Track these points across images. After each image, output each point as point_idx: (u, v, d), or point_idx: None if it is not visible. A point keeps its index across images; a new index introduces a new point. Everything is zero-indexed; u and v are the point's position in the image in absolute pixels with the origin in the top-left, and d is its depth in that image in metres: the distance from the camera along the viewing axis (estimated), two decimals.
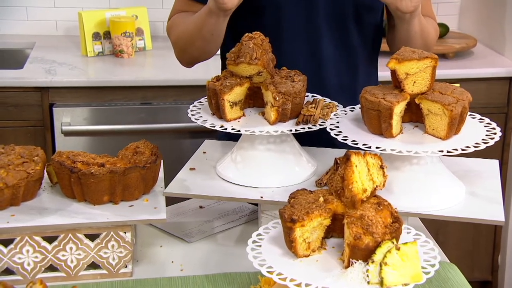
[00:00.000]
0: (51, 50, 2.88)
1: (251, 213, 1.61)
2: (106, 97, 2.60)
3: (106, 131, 2.60)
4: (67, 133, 2.57)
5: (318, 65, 1.69)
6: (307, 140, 1.57)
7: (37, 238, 1.28)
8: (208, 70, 2.51)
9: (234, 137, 1.50)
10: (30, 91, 2.55)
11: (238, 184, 1.44)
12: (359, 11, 1.66)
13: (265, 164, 1.45)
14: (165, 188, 1.42)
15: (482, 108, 2.74)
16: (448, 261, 1.42)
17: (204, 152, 1.60)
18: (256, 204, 1.55)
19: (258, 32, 1.46)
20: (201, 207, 1.64)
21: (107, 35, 2.85)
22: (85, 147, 2.60)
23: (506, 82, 2.78)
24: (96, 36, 2.84)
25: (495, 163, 1.51)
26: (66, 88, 2.56)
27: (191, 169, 1.51)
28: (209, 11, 1.55)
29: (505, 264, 2.97)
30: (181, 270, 1.37)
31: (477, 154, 1.35)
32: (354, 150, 1.20)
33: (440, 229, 2.87)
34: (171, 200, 1.52)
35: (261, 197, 1.39)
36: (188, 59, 1.73)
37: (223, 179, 1.46)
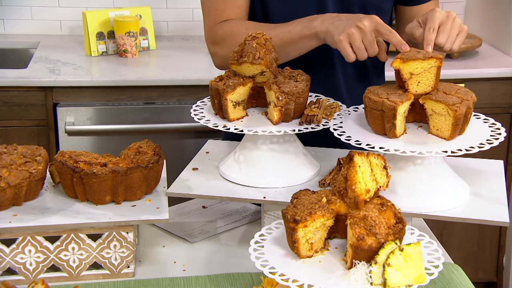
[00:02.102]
0: (55, 49, 2.88)
1: (254, 213, 1.61)
2: (110, 96, 2.60)
3: (110, 130, 2.60)
4: (71, 133, 2.57)
5: (327, 67, 1.68)
6: (310, 140, 1.56)
7: (39, 238, 1.28)
8: (212, 69, 2.50)
9: (238, 137, 1.50)
10: (34, 90, 2.55)
11: (241, 184, 1.43)
12: (367, 12, 1.65)
13: (268, 164, 1.44)
14: (168, 188, 1.42)
15: (486, 108, 2.74)
16: (452, 262, 1.41)
17: (207, 152, 1.59)
18: (259, 205, 1.55)
19: (261, 32, 1.45)
20: (204, 207, 1.64)
21: (111, 34, 2.85)
22: (88, 147, 2.60)
23: (511, 82, 2.77)
24: (100, 35, 2.84)
25: (499, 164, 1.50)
26: (70, 88, 2.56)
27: (194, 169, 1.51)
28: (312, 34, 1.50)
29: (510, 265, 2.95)
30: (184, 270, 1.37)
31: (482, 154, 1.34)
32: (357, 151, 1.20)
33: (444, 229, 2.86)
34: (174, 200, 1.52)
35: (264, 198, 1.39)
36: None
37: (226, 179, 1.46)
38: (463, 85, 2.69)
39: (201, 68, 2.71)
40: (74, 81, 2.56)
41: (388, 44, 1.70)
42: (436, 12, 1.44)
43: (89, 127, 2.58)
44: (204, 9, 1.69)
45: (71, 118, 2.56)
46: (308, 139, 1.54)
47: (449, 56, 2.84)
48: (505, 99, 2.79)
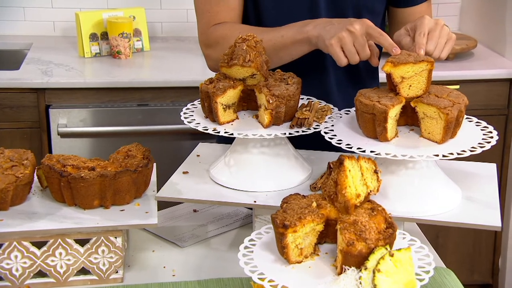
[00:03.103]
0: (48, 51, 2.86)
1: (245, 217, 1.59)
2: (103, 98, 2.58)
3: (103, 132, 2.58)
4: (63, 135, 2.55)
5: (319, 73, 1.67)
6: (303, 143, 1.55)
7: (26, 244, 1.26)
8: (206, 71, 2.48)
9: (232, 140, 1.48)
10: (26, 92, 2.53)
11: (231, 188, 1.42)
12: (361, 15, 1.64)
13: (259, 168, 1.43)
14: (158, 192, 1.40)
15: (482, 110, 2.73)
16: (445, 266, 1.40)
17: (198, 155, 1.58)
18: (251, 208, 1.53)
19: (252, 34, 1.44)
20: (195, 210, 1.62)
21: (105, 36, 2.83)
22: (81, 149, 2.58)
23: (507, 83, 2.76)
24: (93, 37, 2.82)
25: (492, 167, 1.49)
26: (63, 89, 2.54)
27: (184, 172, 1.49)
28: (305, 39, 1.49)
29: (505, 268, 2.94)
30: (173, 275, 1.35)
31: (477, 156, 1.32)
32: (347, 154, 1.18)
33: (440, 232, 2.85)
34: (165, 204, 1.50)
35: (254, 202, 1.37)
36: None
37: (216, 183, 1.44)
38: (458, 86, 2.69)
39: (195, 70, 2.70)
40: (67, 82, 2.54)
41: (380, 48, 1.69)
42: (425, 19, 1.44)
43: (82, 129, 2.57)
44: (197, 12, 1.68)
45: (63, 120, 2.55)
46: (300, 142, 1.53)
47: None
48: (500, 101, 2.78)
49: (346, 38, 1.40)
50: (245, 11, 1.67)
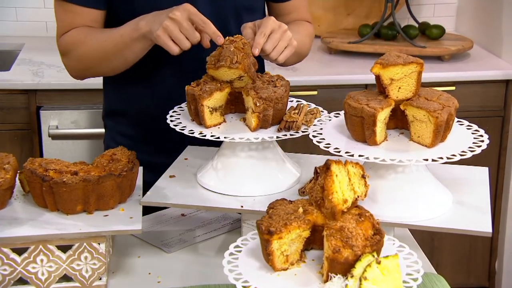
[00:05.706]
0: (39, 51, 2.83)
1: (234, 222, 1.56)
2: (94, 99, 2.55)
3: (95, 134, 2.55)
4: (54, 137, 2.52)
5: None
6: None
7: (6, 250, 1.23)
8: None
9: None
10: (17, 93, 2.50)
11: (219, 193, 1.39)
12: (239, 12, 1.63)
13: (247, 172, 1.40)
14: (143, 196, 1.37)
15: (478, 111, 2.70)
16: (436, 272, 1.37)
17: (186, 159, 1.55)
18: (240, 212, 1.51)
19: (240, 36, 1.41)
20: (183, 215, 1.59)
21: None
22: (73, 151, 2.56)
23: (503, 85, 2.73)
24: None
25: (484, 171, 1.46)
26: (54, 91, 2.52)
27: (171, 176, 1.46)
28: (141, 36, 1.48)
29: (502, 271, 2.92)
30: (158, 282, 1.33)
31: (472, 159, 1.29)
32: (334, 159, 1.15)
33: (435, 234, 2.82)
34: (153, 208, 1.48)
35: (242, 206, 1.35)
36: (90, 75, 1.68)
37: (204, 187, 1.42)
38: (453, 88, 2.67)
39: None
40: (58, 83, 2.52)
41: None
42: (270, 20, 1.45)
43: (73, 130, 2.54)
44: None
45: (54, 121, 2.52)
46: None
47: (440, 58, 2.80)
48: (496, 102, 2.75)
49: (170, 26, 1.40)
50: (114, 12, 1.60)
